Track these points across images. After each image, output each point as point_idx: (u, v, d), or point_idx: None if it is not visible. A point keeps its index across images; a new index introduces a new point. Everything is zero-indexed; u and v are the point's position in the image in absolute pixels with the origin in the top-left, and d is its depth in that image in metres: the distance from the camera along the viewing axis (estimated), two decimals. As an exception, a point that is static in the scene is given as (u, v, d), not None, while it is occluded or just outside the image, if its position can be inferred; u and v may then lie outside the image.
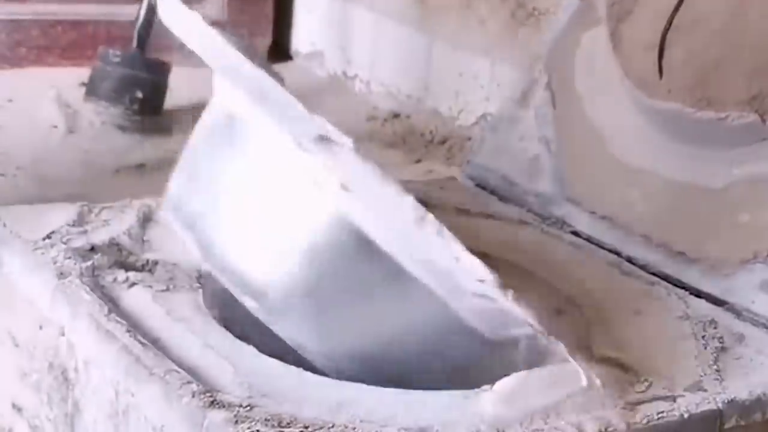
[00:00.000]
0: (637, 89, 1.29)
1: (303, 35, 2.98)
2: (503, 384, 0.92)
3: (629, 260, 1.27)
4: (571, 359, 0.93)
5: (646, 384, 0.96)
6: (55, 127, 2.22)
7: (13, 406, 1.08)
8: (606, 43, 1.36)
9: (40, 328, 1.02)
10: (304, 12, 2.97)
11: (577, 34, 1.46)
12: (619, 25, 1.33)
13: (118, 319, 0.95)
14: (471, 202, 1.39)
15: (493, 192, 1.45)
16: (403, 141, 2.43)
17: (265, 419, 0.83)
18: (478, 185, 1.47)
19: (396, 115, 2.58)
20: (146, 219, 1.16)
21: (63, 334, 0.99)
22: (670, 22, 1.24)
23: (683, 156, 1.26)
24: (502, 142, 1.48)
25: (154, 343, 0.93)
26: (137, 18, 2.34)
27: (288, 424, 0.83)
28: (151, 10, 2.32)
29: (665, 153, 1.28)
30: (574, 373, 0.95)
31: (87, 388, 0.96)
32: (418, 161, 2.32)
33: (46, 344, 1.01)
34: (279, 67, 2.97)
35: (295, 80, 2.87)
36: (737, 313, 1.14)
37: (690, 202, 1.25)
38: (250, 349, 0.95)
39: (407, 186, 1.38)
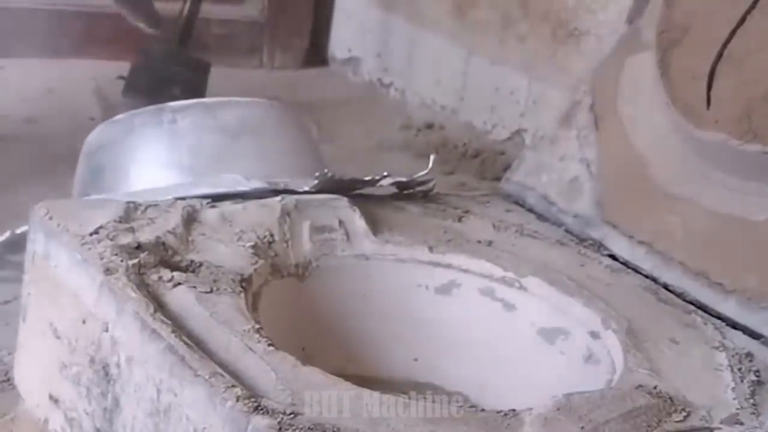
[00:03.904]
0: (683, 118, 1.29)
1: (340, 41, 3.00)
2: (543, 407, 0.92)
3: (666, 287, 1.27)
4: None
5: (684, 414, 0.96)
6: (93, 119, 2.24)
7: (50, 397, 1.09)
8: (653, 69, 1.36)
9: (84, 322, 1.02)
10: (342, 17, 2.98)
11: (622, 58, 1.46)
12: (667, 53, 1.33)
13: (164, 318, 0.95)
14: (509, 219, 1.39)
15: (530, 210, 1.45)
16: (436, 152, 2.44)
17: (309, 428, 0.83)
18: (515, 202, 1.48)
19: (430, 126, 2.59)
20: (190, 219, 1.17)
21: (107, 330, 0.99)
22: (720, 53, 1.25)
23: (726, 187, 1.26)
24: (543, 161, 1.48)
25: (197, 344, 0.94)
26: (180, 15, 2.36)
27: (330, 434, 0.84)
28: (194, 8, 2.33)
29: (708, 182, 1.28)
30: (612, 400, 0.95)
31: (128, 385, 0.96)
32: (450, 173, 2.33)
33: (89, 338, 1.02)
34: (315, 72, 3.00)
35: (330, 85, 2.90)
36: (773, 347, 1.15)
37: (730, 233, 1.25)
38: (290, 358, 0.95)
39: (450, 199, 1.40)
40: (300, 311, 1.19)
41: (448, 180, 2.21)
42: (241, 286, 1.06)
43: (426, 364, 1.25)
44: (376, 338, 1.24)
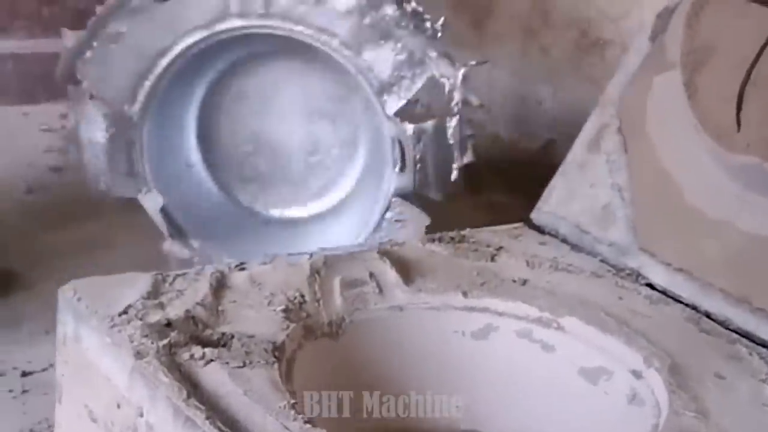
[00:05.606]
0: (714, 141, 1.26)
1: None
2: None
3: (708, 315, 1.24)
4: None
5: (734, 459, 0.94)
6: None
7: (90, 479, 1.09)
8: (680, 91, 1.33)
9: (118, 406, 1.01)
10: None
11: (649, 77, 1.43)
12: (694, 75, 1.30)
13: (197, 404, 0.94)
14: (542, 253, 1.37)
15: (564, 240, 1.42)
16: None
17: None
18: (548, 233, 1.45)
19: (456, 138, 2.56)
20: (219, 286, 1.15)
21: (141, 415, 0.98)
22: (748, 75, 1.21)
23: (763, 209, 1.23)
24: (573, 188, 1.45)
25: (232, 425, 0.92)
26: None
27: None
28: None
29: (744, 204, 1.25)
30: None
31: (166, 470, 0.95)
32: (478, 191, 2.30)
33: (125, 423, 1.01)
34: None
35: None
36: (823, 376, 1.11)
37: (770, 257, 1.22)
38: (325, 432, 0.94)
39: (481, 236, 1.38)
40: (336, 369, 1.17)
41: (476, 201, 2.18)
42: (274, 356, 1.05)
43: (468, 410, 1.23)
44: (415, 388, 1.23)
